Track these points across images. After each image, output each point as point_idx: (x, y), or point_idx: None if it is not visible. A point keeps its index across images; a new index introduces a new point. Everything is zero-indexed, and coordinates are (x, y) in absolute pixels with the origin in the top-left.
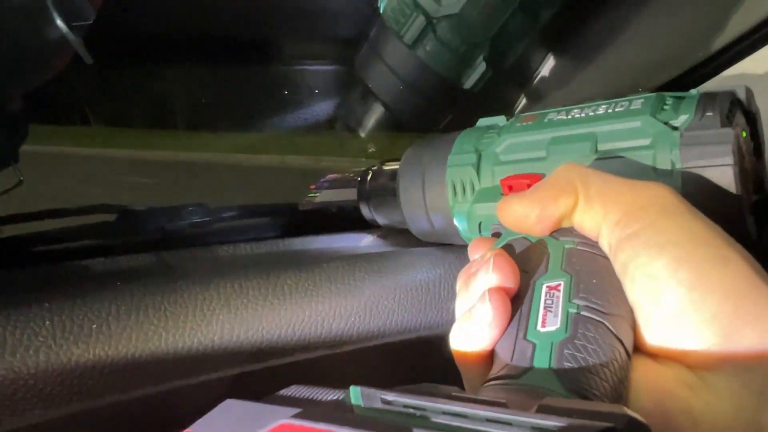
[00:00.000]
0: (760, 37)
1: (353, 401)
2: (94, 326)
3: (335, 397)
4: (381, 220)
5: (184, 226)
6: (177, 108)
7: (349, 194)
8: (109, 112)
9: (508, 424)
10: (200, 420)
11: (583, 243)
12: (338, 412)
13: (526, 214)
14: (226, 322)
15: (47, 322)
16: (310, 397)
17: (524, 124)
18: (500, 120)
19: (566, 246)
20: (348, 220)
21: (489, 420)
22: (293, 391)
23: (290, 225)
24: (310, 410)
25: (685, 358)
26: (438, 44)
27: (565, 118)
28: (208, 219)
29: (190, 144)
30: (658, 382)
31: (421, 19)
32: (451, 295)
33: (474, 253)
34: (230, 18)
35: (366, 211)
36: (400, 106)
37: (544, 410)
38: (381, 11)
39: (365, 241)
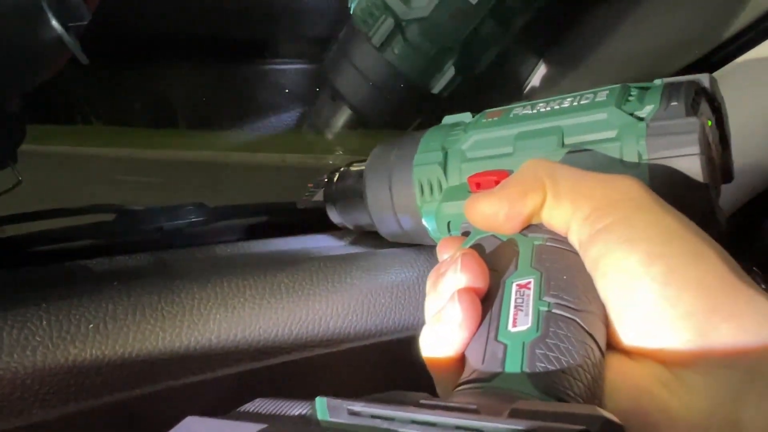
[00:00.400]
0: (762, 30)
1: (319, 415)
2: (91, 326)
3: (301, 411)
4: (349, 222)
5: (182, 225)
6: (177, 107)
7: None
8: (110, 111)
9: (479, 431)
10: None
11: (552, 239)
12: (304, 427)
13: (494, 213)
14: (223, 322)
15: (44, 322)
16: (275, 412)
17: (490, 119)
18: (466, 117)
19: (535, 243)
20: None
21: (459, 428)
22: (258, 405)
23: (287, 224)
24: (274, 426)
25: (661, 356)
26: (407, 47)
27: (530, 112)
28: (205, 218)
29: (190, 143)
30: (633, 380)
31: (390, 21)
32: None
33: (443, 253)
34: (230, 17)
35: (333, 215)
36: (367, 108)
37: (516, 414)
38: (351, 12)
39: (363, 239)
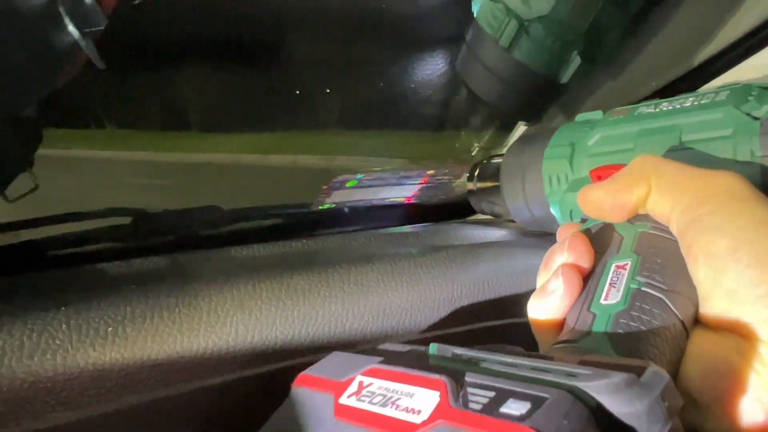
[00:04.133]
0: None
1: (430, 352)
2: (110, 329)
3: (418, 350)
4: (488, 210)
5: (198, 228)
6: (190, 110)
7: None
8: (123, 115)
9: (547, 370)
10: (313, 366)
11: (655, 228)
12: (414, 359)
13: (601, 202)
14: (240, 324)
15: (64, 326)
16: (399, 350)
17: (616, 117)
18: (597, 115)
19: (639, 230)
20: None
21: (533, 368)
22: (387, 346)
23: (303, 225)
24: (393, 358)
25: (741, 330)
26: (533, 44)
27: (653, 111)
28: (221, 221)
29: (204, 145)
30: (712, 349)
31: (514, 23)
32: (466, 297)
33: (561, 236)
34: (240, 19)
35: (475, 203)
36: (502, 104)
37: (583, 363)
38: (475, 15)
39: (378, 241)
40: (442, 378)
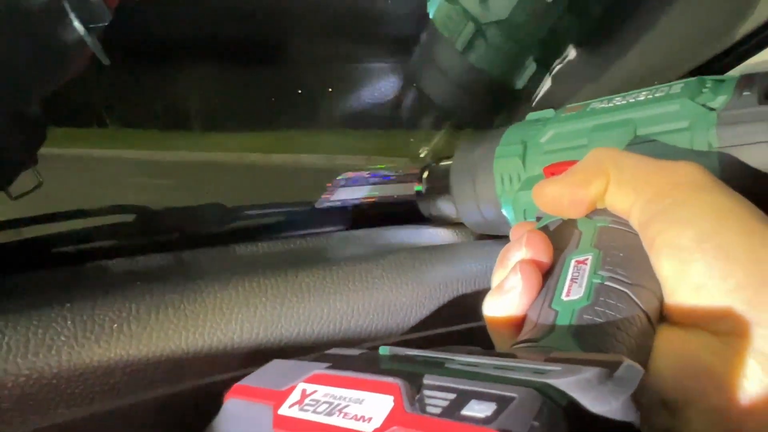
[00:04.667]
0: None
1: (380, 357)
2: (115, 326)
3: (369, 354)
4: (436, 213)
5: (202, 225)
6: (193, 109)
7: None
8: (125, 114)
9: (512, 368)
10: (250, 375)
11: (615, 222)
12: (365, 363)
13: (559, 198)
14: (245, 321)
15: (69, 322)
16: (348, 354)
17: (568, 114)
18: (548, 113)
19: (598, 225)
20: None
21: (497, 366)
22: (335, 350)
23: (307, 223)
24: (340, 363)
25: (710, 325)
26: (489, 49)
27: (606, 106)
28: (225, 218)
29: (207, 145)
30: (682, 347)
31: (471, 26)
32: (469, 292)
33: (515, 236)
34: (243, 18)
35: (424, 207)
36: (454, 108)
37: (550, 360)
38: (431, 17)
39: (382, 238)
40: (395, 381)
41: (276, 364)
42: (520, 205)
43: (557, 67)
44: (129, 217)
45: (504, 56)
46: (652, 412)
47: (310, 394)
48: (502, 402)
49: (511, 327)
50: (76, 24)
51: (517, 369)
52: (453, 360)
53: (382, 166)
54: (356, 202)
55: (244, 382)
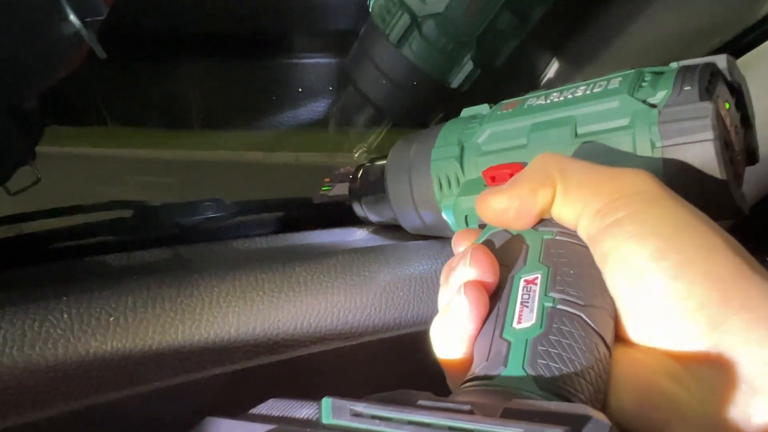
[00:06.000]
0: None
1: (324, 417)
2: (112, 319)
3: (309, 412)
4: (373, 217)
5: (200, 221)
6: (193, 107)
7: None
8: (125, 112)
9: (470, 431)
10: None
11: (562, 233)
12: (308, 428)
13: (504, 210)
14: (242, 315)
15: (65, 315)
16: (285, 414)
17: (505, 111)
18: (483, 109)
19: (545, 237)
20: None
21: (451, 428)
22: (269, 406)
23: (304, 218)
24: (282, 428)
25: (671, 350)
26: (424, 43)
27: (544, 102)
28: (223, 214)
29: (205, 143)
30: (642, 375)
31: (406, 18)
32: None
33: (457, 247)
34: (244, 14)
35: (358, 209)
36: (388, 105)
37: (508, 414)
38: (369, 9)
39: (380, 233)
40: None
41: (211, 424)
42: (461, 210)
43: (545, 77)
44: (127, 213)
45: (439, 52)
46: None
47: None
48: None
49: (461, 352)
50: (72, 18)
51: (473, 431)
52: (403, 420)
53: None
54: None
55: None
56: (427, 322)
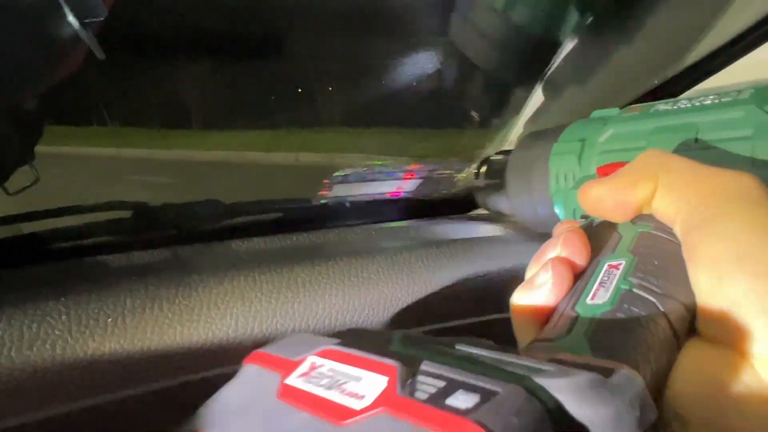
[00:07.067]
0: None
1: (393, 338)
2: (110, 320)
3: (383, 334)
4: (493, 207)
5: (198, 222)
6: (192, 107)
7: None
8: (125, 112)
9: (509, 364)
10: (270, 344)
11: (658, 228)
12: (375, 343)
13: (603, 200)
14: (240, 316)
15: (63, 316)
16: (362, 332)
17: (631, 114)
18: (612, 111)
19: (639, 230)
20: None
21: (496, 360)
22: (356, 330)
23: (304, 219)
24: (353, 341)
25: (740, 346)
26: (527, 4)
27: (670, 108)
28: (221, 214)
29: (206, 143)
30: (709, 366)
31: None
32: (466, 290)
33: (556, 233)
34: (243, 14)
35: (480, 199)
36: (497, 68)
37: (552, 361)
38: None
39: (378, 235)
40: (394, 363)
41: (297, 336)
42: (571, 203)
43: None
44: (125, 213)
45: (543, 10)
46: (662, 422)
47: (318, 367)
48: (486, 395)
49: (535, 323)
50: (71, 19)
51: (513, 365)
52: (456, 349)
53: (379, 162)
54: (353, 198)
55: (264, 349)
56: (425, 324)
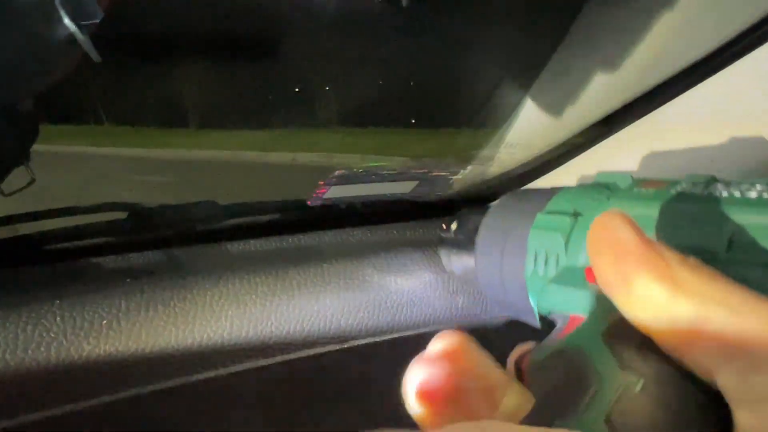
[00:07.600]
0: (761, 35)
1: None
2: (105, 322)
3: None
4: (460, 271)
5: (194, 223)
6: (189, 106)
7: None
8: (121, 111)
9: None
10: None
11: (659, 380)
12: None
13: (629, 251)
14: (235, 318)
15: (58, 319)
16: None
17: (644, 191)
18: (623, 179)
19: (626, 380)
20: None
21: None
22: None
23: (299, 221)
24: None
25: None
26: None
27: (699, 193)
28: (217, 215)
29: (203, 142)
30: None
31: None
32: (461, 292)
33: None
34: (240, 14)
35: (446, 260)
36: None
37: None
38: None
39: (374, 236)
40: None
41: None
42: (548, 301)
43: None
44: (121, 215)
45: None
46: None
47: None
48: None
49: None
50: (67, 21)
51: None
52: None
53: (374, 164)
54: (349, 199)
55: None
56: (419, 326)
